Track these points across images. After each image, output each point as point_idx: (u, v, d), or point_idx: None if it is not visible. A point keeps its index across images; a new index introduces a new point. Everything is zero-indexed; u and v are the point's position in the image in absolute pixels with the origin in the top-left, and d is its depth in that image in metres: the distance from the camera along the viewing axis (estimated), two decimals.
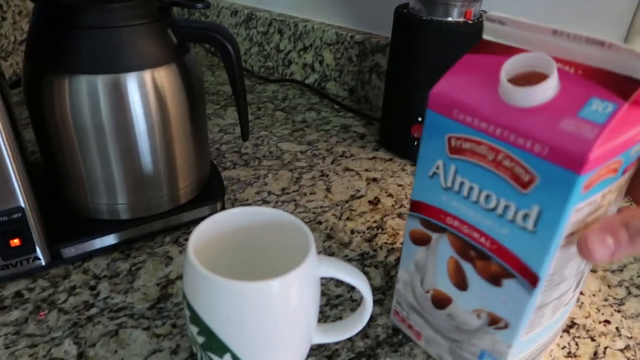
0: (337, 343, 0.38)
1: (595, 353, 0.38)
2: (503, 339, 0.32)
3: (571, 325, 0.41)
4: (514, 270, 0.29)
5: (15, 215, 0.38)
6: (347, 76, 0.80)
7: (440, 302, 0.35)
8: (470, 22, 0.56)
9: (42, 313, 0.39)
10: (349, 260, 0.47)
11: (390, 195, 0.57)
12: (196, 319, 0.31)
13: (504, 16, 0.29)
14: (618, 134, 0.25)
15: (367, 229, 0.51)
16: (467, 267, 0.32)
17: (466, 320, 0.33)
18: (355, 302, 0.42)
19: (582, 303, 0.43)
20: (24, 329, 0.37)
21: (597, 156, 0.25)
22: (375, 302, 0.42)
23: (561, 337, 0.39)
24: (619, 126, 0.25)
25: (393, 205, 0.55)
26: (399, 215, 0.53)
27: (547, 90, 0.26)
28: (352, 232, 0.51)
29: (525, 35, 0.28)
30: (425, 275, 0.35)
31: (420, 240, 0.35)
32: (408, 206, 0.55)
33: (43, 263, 0.42)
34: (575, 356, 0.38)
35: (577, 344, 0.39)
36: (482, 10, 0.60)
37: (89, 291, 0.41)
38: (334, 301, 0.42)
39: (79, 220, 0.46)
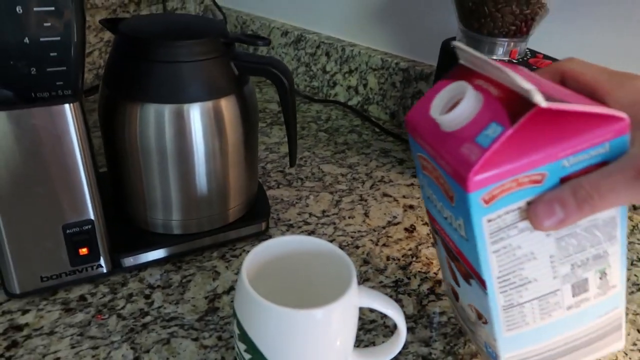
0: None
1: None
2: (490, 334, 0.35)
3: None
4: (471, 272, 0.33)
5: (86, 227, 0.42)
6: (390, 101, 0.83)
7: (455, 295, 0.40)
8: (515, 61, 0.58)
9: (99, 316, 0.43)
10: (383, 286, 0.49)
11: (426, 223, 0.59)
12: (244, 338, 0.34)
13: (461, 45, 0.32)
14: (524, 152, 0.28)
15: (402, 256, 0.53)
16: (453, 267, 0.37)
17: (468, 313, 0.38)
18: (387, 328, 0.44)
19: None
20: (87, 331, 0.41)
21: (485, 177, 0.28)
22: (407, 330, 0.44)
23: None
24: (527, 143, 0.28)
25: (428, 234, 0.57)
26: (433, 245, 0.55)
27: (457, 117, 0.30)
28: (388, 258, 0.53)
29: (477, 62, 0.31)
30: (443, 270, 0.41)
31: (434, 241, 0.41)
32: None
33: (104, 270, 0.46)
34: None
35: None
36: (527, 49, 0.61)
37: (144, 299, 0.45)
38: (368, 326, 0.44)
39: (137, 232, 0.50)
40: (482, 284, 0.32)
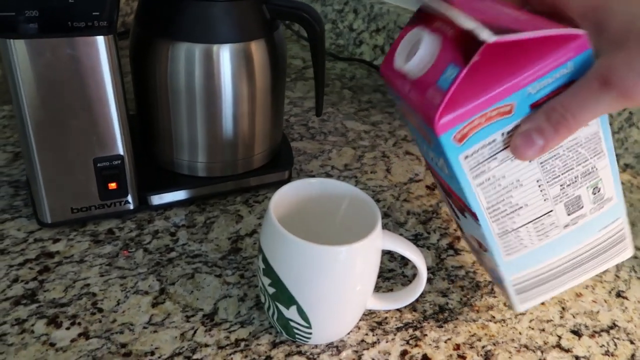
0: (387, 312, 0.41)
1: (633, 355, 0.40)
2: (492, 260, 0.37)
3: (612, 326, 0.42)
4: (463, 206, 0.35)
5: (116, 162, 0.43)
6: None
7: (460, 228, 0.42)
8: None
9: (125, 251, 0.44)
10: None
11: None
12: (270, 272, 0.35)
13: None
14: (486, 88, 0.28)
15: (423, 212, 0.54)
16: (450, 201, 0.38)
17: (472, 243, 0.39)
18: (406, 278, 0.45)
19: (626, 308, 0.44)
20: (115, 262, 0.43)
21: (452, 117, 0.29)
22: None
23: (600, 336, 0.41)
24: (487, 78, 0.28)
25: None
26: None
27: (417, 64, 0.31)
28: (408, 213, 0.53)
29: (432, 4, 0.31)
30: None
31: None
32: None
33: (131, 207, 0.47)
34: (612, 355, 0.40)
35: (615, 345, 0.41)
36: None
37: (170, 237, 0.46)
38: (387, 274, 0.45)
39: (163, 172, 0.51)
40: (474, 216, 0.34)
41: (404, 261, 0.47)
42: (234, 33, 0.44)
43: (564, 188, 0.34)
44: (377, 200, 0.55)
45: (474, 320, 0.41)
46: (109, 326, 0.37)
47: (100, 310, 0.38)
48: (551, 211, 0.35)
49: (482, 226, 0.34)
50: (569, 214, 0.35)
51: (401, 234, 0.50)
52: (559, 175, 0.33)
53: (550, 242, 0.36)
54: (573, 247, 0.37)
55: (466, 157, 0.31)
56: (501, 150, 0.31)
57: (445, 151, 0.30)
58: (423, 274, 0.37)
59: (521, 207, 0.34)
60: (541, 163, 0.33)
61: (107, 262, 0.42)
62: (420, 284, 0.37)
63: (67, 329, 0.37)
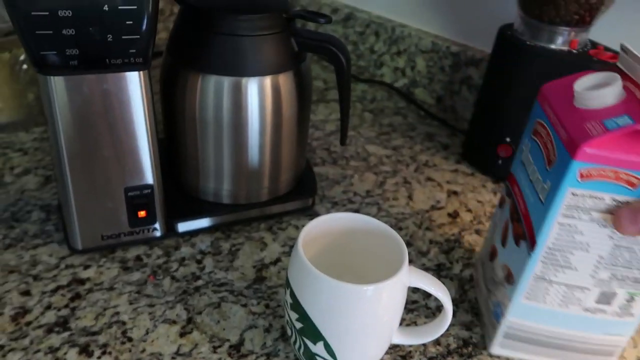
0: (411, 346, 0.41)
1: None
2: (508, 294, 0.38)
3: None
4: (527, 232, 0.36)
5: (146, 191, 0.44)
6: (437, 84, 0.82)
7: (492, 254, 0.44)
8: (574, 51, 0.57)
9: (152, 277, 0.45)
10: (426, 269, 0.50)
11: (470, 210, 0.59)
12: (297, 307, 0.35)
13: (628, 47, 0.35)
14: (635, 152, 0.30)
15: (445, 240, 0.54)
16: (510, 228, 0.40)
17: (497, 272, 0.41)
18: (429, 310, 0.45)
19: None
20: (144, 290, 0.43)
21: (594, 153, 0.31)
22: None
23: None
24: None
25: (471, 221, 0.57)
26: (477, 232, 0.55)
27: (598, 96, 0.33)
28: (431, 242, 0.54)
29: (633, 65, 0.34)
30: (494, 232, 0.44)
31: (501, 203, 0.43)
32: (486, 223, 0.57)
33: (159, 234, 0.48)
34: None
35: None
36: (588, 40, 0.60)
37: (196, 264, 0.47)
38: (410, 306, 0.45)
39: (189, 199, 0.52)
40: (532, 245, 0.35)
41: (428, 293, 0.47)
42: (263, 66, 0.45)
43: (612, 278, 0.35)
44: (400, 229, 0.55)
45: (498, 357, 0.41)
46: (139, 356, 0.38)
47: (130, 339, 0.39)
48: (587, 289, 0.36)
49: (531, 258, 0.35)
50: (596, 302, 0.36)
51: (423, 264, 0.50)
52: (618, 266, 0.35)
53: (564, 313, 0.37)
54: (575, 331, 0.38)
55: (573, 194, 0.33)
56: (599, 211, 0.33)
57: (564, 177, 0.32)
58: (449, 310, 0.37)
59: (570, 268, 0.35)
60: (615, 245, 0.34)
61: (136, 289, 0.43)
62: (446, 320, 0.38)
63: (99, 358, 0.37)
